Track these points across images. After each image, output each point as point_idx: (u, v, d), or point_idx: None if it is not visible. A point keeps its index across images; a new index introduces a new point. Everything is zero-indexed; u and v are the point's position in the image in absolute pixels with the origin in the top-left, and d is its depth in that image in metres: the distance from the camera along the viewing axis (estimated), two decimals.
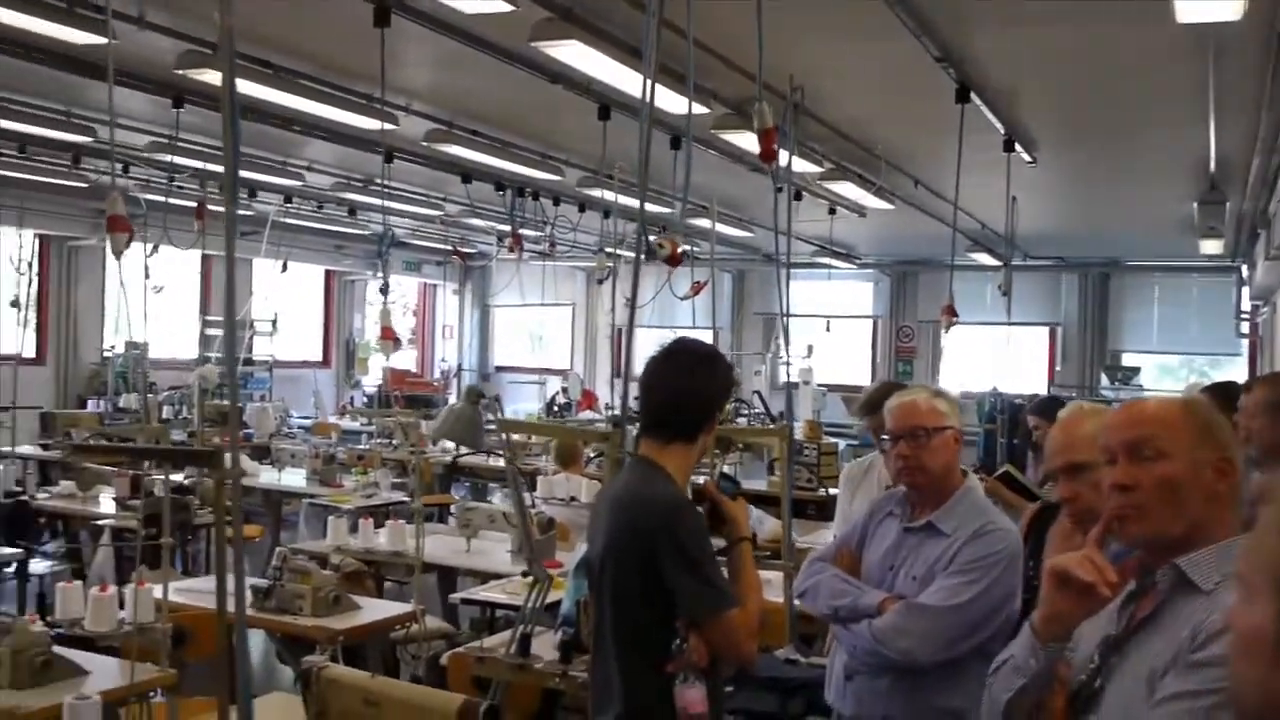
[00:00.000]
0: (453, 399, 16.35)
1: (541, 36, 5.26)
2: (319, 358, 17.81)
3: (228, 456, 2.08)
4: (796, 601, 3.62)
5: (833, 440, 10.02)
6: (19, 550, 6.51)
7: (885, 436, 3.13)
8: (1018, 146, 7.95)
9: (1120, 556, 1.92)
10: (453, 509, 8.51)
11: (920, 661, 2.85)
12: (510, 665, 3.43)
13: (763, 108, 4.19)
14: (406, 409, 12.57)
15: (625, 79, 5.86)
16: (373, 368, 17.94)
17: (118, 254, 3.96)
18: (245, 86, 6.48)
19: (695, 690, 2.63)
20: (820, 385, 14.18)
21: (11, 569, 6.72)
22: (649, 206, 9.50)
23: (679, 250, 3.20)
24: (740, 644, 2.63)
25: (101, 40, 5.64)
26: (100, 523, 7.25)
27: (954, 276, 8.59)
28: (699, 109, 5.84)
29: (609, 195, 8.72)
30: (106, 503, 7.76)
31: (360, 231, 14.98)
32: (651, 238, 3.16)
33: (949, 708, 2.86)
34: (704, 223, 10.33)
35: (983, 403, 13.18)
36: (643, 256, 3.12)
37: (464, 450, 9.85)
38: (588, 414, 12.81)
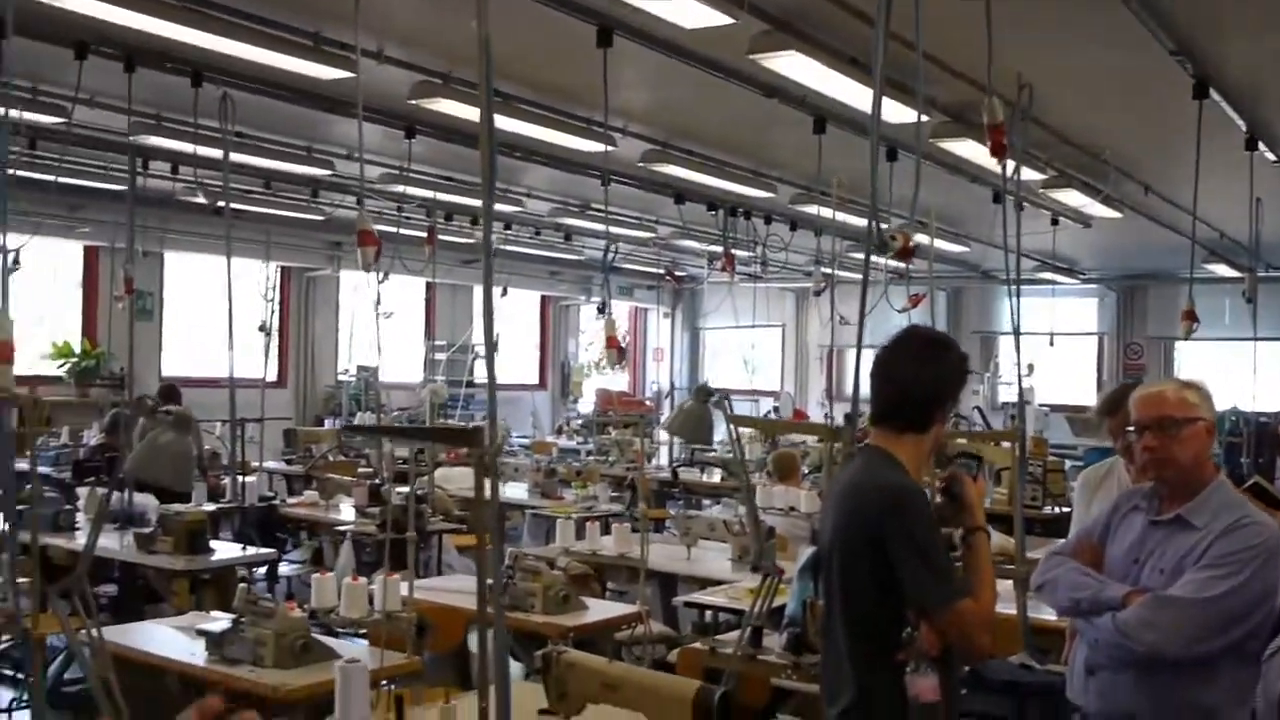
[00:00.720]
0: (664, 419, 16.56)
1: (760, 49, 5.33)
2: (535, 380, 18.37)
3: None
4: (1032, 594, 3.52)
5: (1058, 458, 9.65)
6: (271, 551, 6.98)
7: (1130, 429, 3.03)
8: (1261, 145, 7.51)
9: None
10: (668, 523, 8.62)
11: (1167, 656, 2.73)
12: (743, 656, 3.46)
13: (992, 102, 4.14)
14: (620, 429, 12.89)
15: (844, 89, 5.87)
16: (586, 390, 18.40)
17: (367, 267, 4.23)
18: (472, 114, 6.80)
19: (927, 679, 2.61)
20: (1042, 405, 13.70)
21: (263, 570, 7.19)
22: (856, 221, 9.35)
23: (911, 244, 3.19)
24: (973, 635, 2.59)
25: (345, 75, 6.05)
26: (341, 528, 7.69)
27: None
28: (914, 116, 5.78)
29: (825, 212, 8.72)
30: (347, 511, 8.23)
31: (574, 256, 15.40)
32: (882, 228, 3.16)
33: (1199, 704, 2.73)
34: (921, 238, 10.18)
35: (1223, 420, 12.44)
36: (873, 252, 3.12)
37: (684, 455, 9.98)
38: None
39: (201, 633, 4.37)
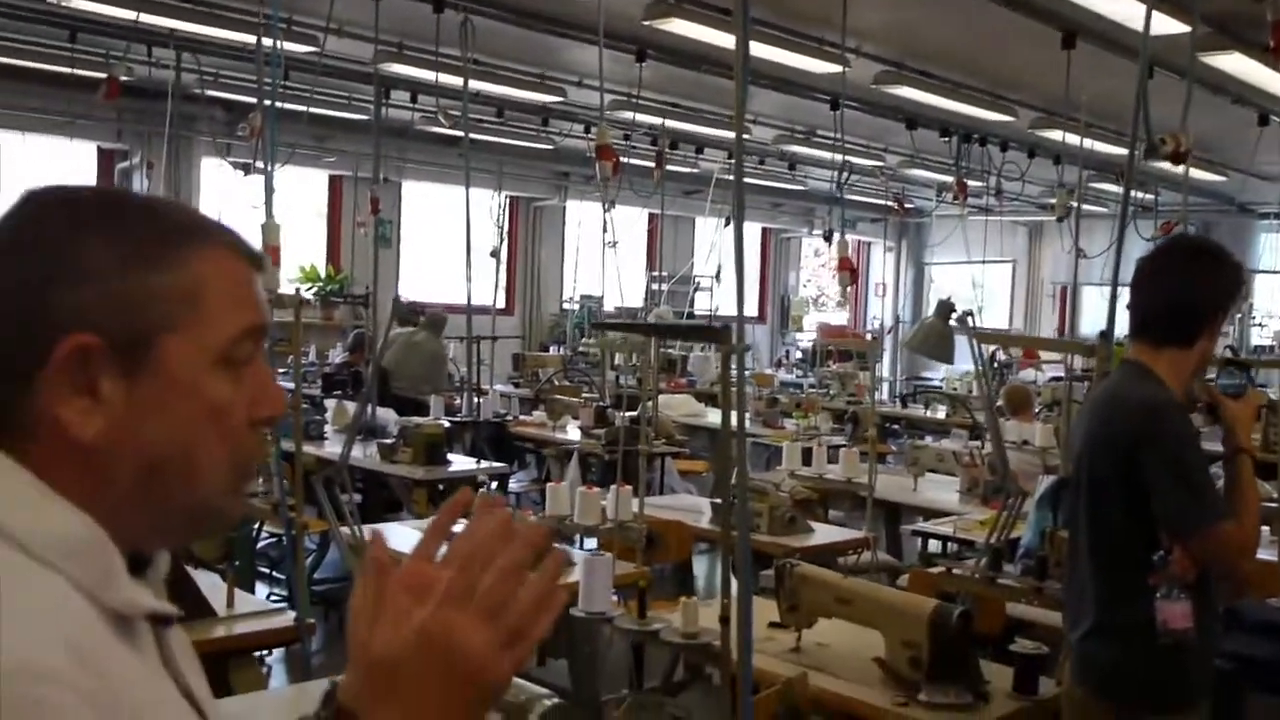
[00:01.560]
0: (886, 354, 16.28)
1: None
2: (754, 313, 18.33)
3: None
4: None
5: None
6: (504, 465, 7.25)
7: None
8: None
9: None
10: (890, 459, 8.47)
11: None
12: (980, 579, 3.37)
13: None
14: (840, 362, 12.77)
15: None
16: (806, 326, 18.23)
17: (604, 180, 4.29)
18: (705, 34, 6.76)
19: (1179, 605, 2.47)
20: None
21: (494, 484, 7.48)
22: (1102, 147, 8.77)
23: (1183, 148, 2.96)
24: (1233, 559, 2.45)
25: None
26: (568, 447, 7.91)
27: None
28: (1178, 28, 5.38)
29: (1070, 138, 8.26)
30: (573, 432, 8.45)
31: (797, 187, 15.19)
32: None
33: None
34: (1172, 166, 9.54)
35: None
36: (1141, 156, 2.93)
37: (905, 391, 9.77)
38: (1029, 372, 12.31)
39: None
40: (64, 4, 6.88)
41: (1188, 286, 2.54)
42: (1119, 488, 2.47)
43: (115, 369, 0.86)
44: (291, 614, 3.72)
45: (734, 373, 2.22)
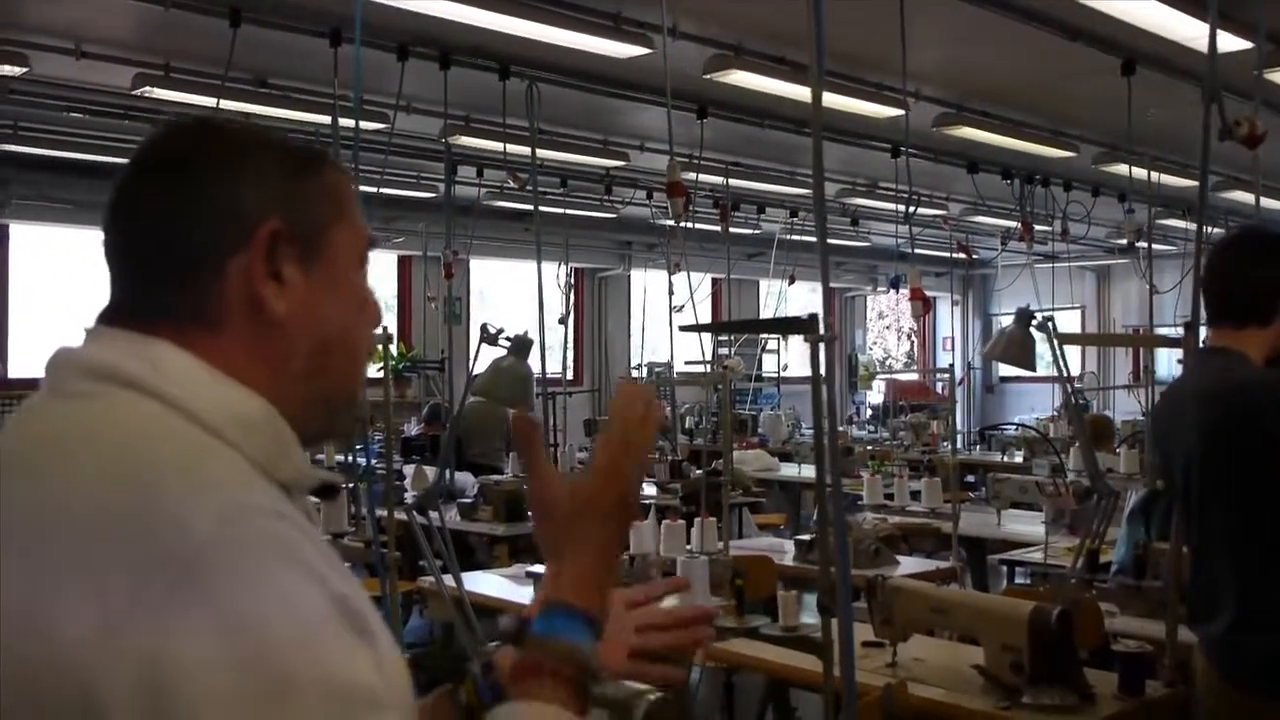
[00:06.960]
0: (960, 406, 16.09)
1: None
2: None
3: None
4: None
5: None
6: None
7: None
8: None
9: None
10: (970, 502, 8.34)
11: None
12: (1080, 582, 3.32)
13: None
14: (912, 413, 12.65)
15: (1158, 18, 5.53)
16: (875, 387, 18.13)
17: (677, 218, 4.36)
18: (767, 84, 6.87)
19: None
20: None
21: None
22: (1168, 180, 8.67)
23: (1259, 131, 2.96)
24: None
25: (642, 52, 6.26)
26: (645, 503, 7.93)
27: None
28: (1241, 45, 5.38)
29: (1139, 173, 8.23)
30: (649, 489, 8.47)
31: (860, 244, 15.22)
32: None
33: None
34: (1242, 196, 9.45)
35: None
36: (1213, 139, 2.92)
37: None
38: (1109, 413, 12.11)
39: (530, 575, 4.63)
40: (146, 94, 7.17)
41: (1264, 264, 2.61)
42: (1257, 470, 2.46)
43: (295, 255, 0.97)
44: None
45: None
